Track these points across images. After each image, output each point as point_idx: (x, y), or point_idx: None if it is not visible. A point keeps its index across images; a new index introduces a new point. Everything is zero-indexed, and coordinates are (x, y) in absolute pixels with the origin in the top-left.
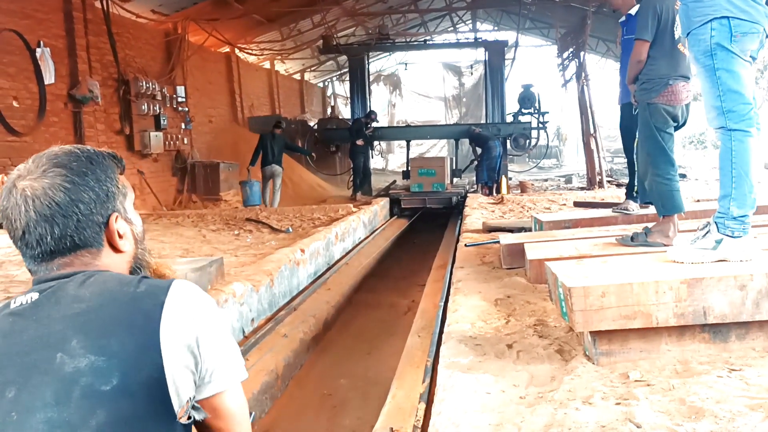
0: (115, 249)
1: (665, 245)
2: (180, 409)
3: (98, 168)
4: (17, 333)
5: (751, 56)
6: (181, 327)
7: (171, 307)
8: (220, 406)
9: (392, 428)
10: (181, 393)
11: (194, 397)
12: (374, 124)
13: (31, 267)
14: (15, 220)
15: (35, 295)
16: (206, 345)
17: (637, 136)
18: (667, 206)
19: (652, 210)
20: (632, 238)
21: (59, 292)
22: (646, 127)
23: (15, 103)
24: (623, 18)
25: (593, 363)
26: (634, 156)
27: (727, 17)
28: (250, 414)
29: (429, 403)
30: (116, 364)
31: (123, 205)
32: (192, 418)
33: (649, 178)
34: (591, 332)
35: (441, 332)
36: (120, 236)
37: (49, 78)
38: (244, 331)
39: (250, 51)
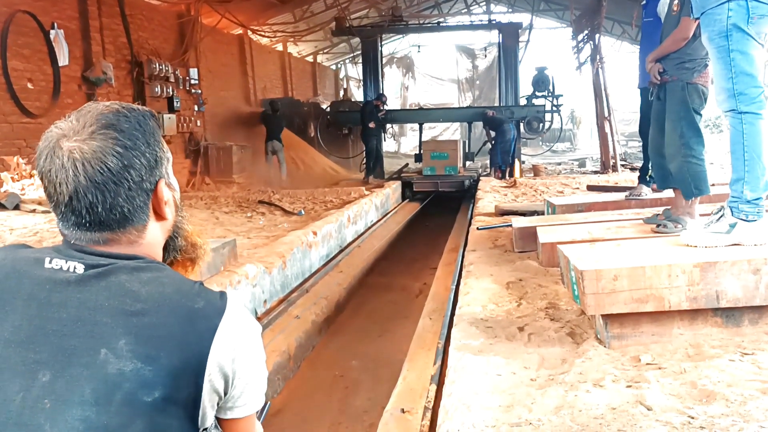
0: (160, 216)
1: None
2: (201, 427)
3: (147, 130)
4: (56, 306)
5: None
6: (226, 356)
7: (222, 334)
8: (235, 429)
9: (403, 409)
10: (207, 413)
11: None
12: (384, 107)
13: (68, 232)
14: (60, 184)
15: (80, 267)
16: (242, 377)
17: (659, 115)
18: (700, 187)
19: (664, 194)
20: (660, 224)
21: (110, 277)
22: (682, 107)
23: (29, 85)
24: (644, 1)
25: (605, 346)
26: (649, 139)
27: None
28: (266, 404)
29: (440, 384)
30: (162, 378)
31: (167, 170)
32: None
33: (679, 159)
34: (603, 315)
35: (452, 315)
36: (165, 203)
37: (63, 60)
38: (256, 312)
39: (262, 33)
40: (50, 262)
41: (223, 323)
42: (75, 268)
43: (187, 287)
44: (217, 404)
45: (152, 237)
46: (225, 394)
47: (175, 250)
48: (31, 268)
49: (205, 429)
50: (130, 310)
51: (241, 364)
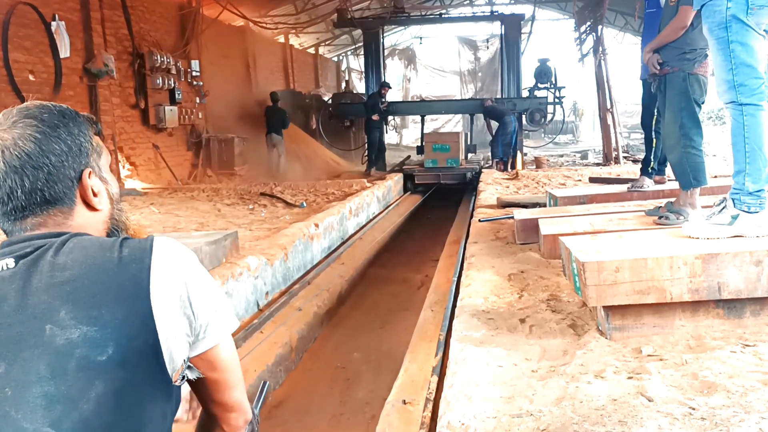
0: (90, 207)
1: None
2: (174, 373)
3: (71, 122)
4: None
5: (764, 30)
6: (171, 289)
7: (158, 269)
8: (216, 358)
9: (405, 400)
10: (174, 356)
11: (188, 358)
12: (387, 97)
13: (4, 226)
14: None
15: (10, 262)
16: (198, 302)
17: (664, 107)
18: (699, 178)
19: (667, 186)
20: (662, 216)
21: (39, 261)
22: (683, 97)
23: (31, 77)
24: None
25: (606, 338)
26: (653, 131)
27: None
28: (264, 384)
29: (441, 376)
30: (110, 333)
31: (97, 163)
32: (185, 378)
33: (679, 150)
34: (604, 307)
35: (454, 307)
36: (94, 194)
37: (64, 52)
38: (258, 304)
39: (264, 25)
40: None
41: (155, 260)
42: (7, 264)
43: (109, 242)
44: (191, 338)
45: (83, 223)
46: (190, 327)
47: None
48: None
49: (184, 377)
50: (61, 281)
51: (193, 293)
